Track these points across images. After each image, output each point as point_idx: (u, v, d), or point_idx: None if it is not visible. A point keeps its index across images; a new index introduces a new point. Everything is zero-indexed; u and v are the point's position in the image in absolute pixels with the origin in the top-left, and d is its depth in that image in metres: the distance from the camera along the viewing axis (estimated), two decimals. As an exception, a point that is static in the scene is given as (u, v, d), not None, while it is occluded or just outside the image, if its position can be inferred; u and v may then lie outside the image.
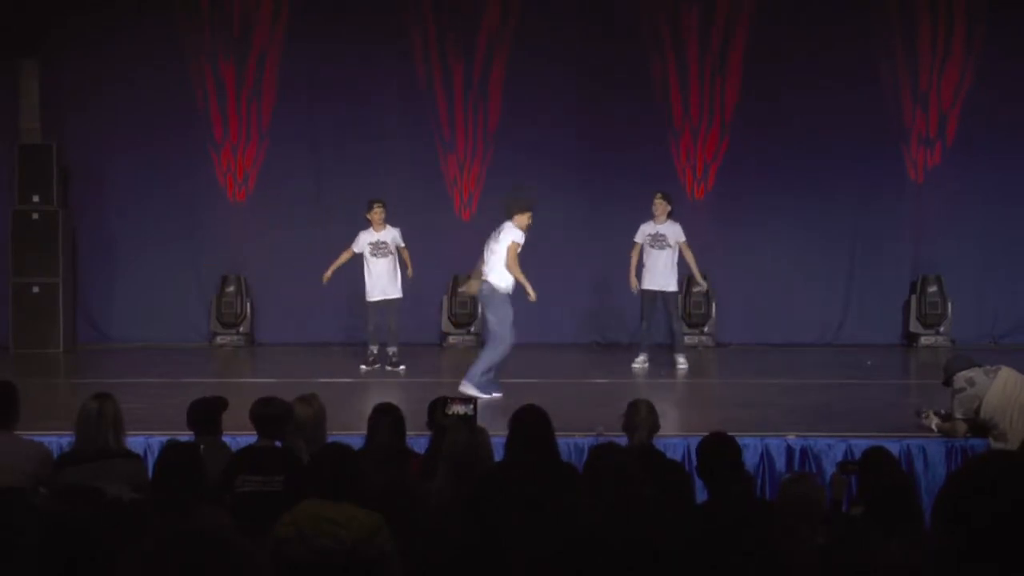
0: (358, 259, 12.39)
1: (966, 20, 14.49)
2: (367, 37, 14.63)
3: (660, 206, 12.34)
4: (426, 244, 13.32)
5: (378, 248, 12.30)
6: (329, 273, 12.33)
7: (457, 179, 14.81)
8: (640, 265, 12.38)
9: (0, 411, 6.08)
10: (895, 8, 14.51)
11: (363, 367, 12.32)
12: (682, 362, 12.33)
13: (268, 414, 6.07)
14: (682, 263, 12.47)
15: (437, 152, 14.79)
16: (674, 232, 12.33)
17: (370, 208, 12.29)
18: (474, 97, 14.72)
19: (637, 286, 12.35)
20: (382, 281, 12.29)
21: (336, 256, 12.43)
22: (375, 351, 12.36)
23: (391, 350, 12.33)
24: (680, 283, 14.35)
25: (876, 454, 5.93)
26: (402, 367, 12.16)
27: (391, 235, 12.31)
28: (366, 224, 12.38)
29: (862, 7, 14.51)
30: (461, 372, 12.21)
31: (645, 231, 12.38)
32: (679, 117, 14.72)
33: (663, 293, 12.32)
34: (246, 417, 6.13)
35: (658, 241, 12.31)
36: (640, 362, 12.26)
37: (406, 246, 12.38)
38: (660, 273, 12.29)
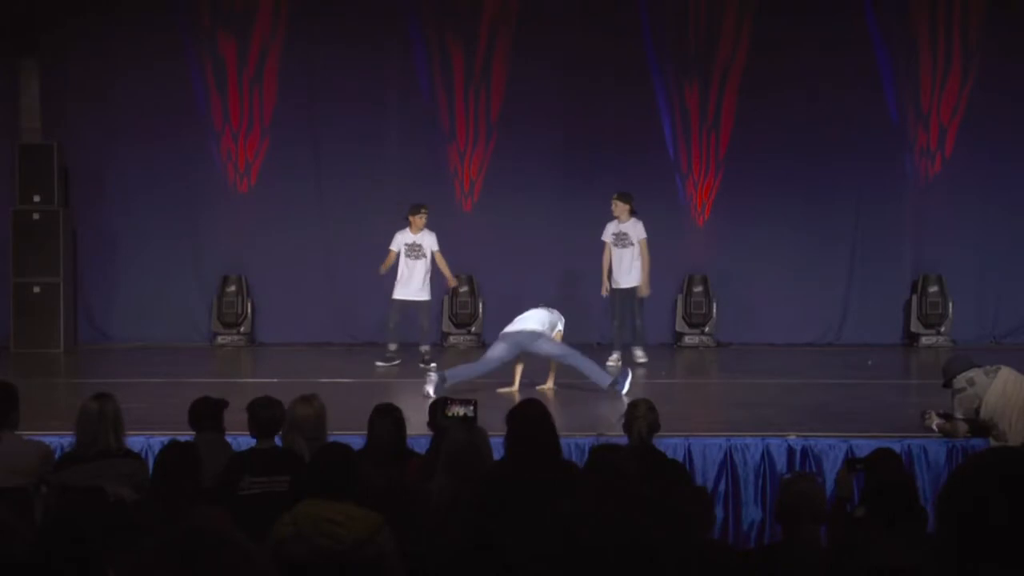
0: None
1: (967, 26, 14.53)
2: (367, 28, 14.61)
3: (618, 207, 12.53)
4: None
5: (412, 250, 12.52)
6: (383, 269, 12.54)
7: (458, 169, 14.80)
8: (609, 264, 12.57)
9: (1, 412, 6.07)
10: (895, 19, 14.56)
11: (379, 363, 12.41)
12: (640, 356, 12.46)
13: (269, 416, 6.09)
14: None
15: (438, 146, 14.75)
16: (636, 231, 12.47)
17: (416, 211, 12.51)
18: (475, 86, 14.70)
19: (608, 288, 12.56)
20: (412, 282, 12.49)
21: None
22: (394, 348, 12.47)
23: (423, 348, 12.50)
24: (680, 283, 14.40)
25: (882, 455, 5.94)
26: (433, 365, 12.22)
27: (427, 239, 12.53)
28: (402, 224, 12.60)
29: (864, 15, 14.53)
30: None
31: (610, 230, 12.57)
32: (680, 115, 14.71)
33: (626, 289, 12.49)
34: (246, 417, 6.14)
35: (621, 240, 12.51)
36: (613, 360, 12.32)
37: (440, 250, 12.56)
38: (625, 271, 12.46)
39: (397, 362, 12.37)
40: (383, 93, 14.78)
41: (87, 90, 14.59)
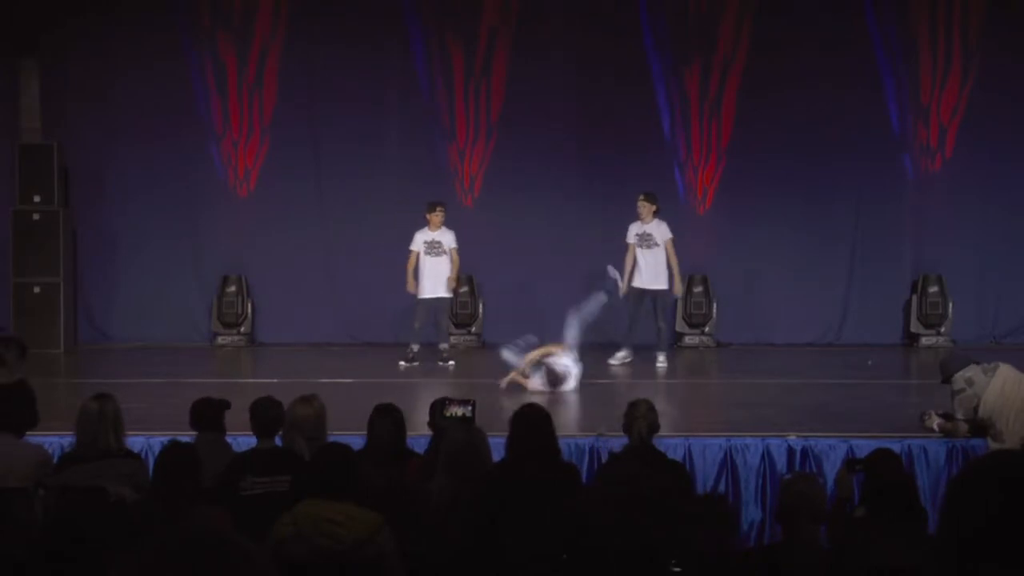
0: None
1: (967, 26, 14.53)
2: (367, 28, 14.61)
3: (644, 207, 12.50)
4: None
5: (432, 247, 12.55)
6: (412, 282, 12.48)
7: (458, 169, 14.79)
8: (632, 265, 12.50)
9: (16, 416, 6.07)
10: (895, 19, 14.56)
11: (402, 363, 12.41)
12: (662, 360, 12.40)
13: (270, 416, 6.10)
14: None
15: (438, 145, 14.75)
16: (661, 231, 12.46)
17: (432, 209, 12.57)
18: (475, 86, 14.69)
19: (625, 290, 12.48)
20: (433, 280, 12.50)
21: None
22: (416, 349, 12.48)
23: (443, 347, 12.58)
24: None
25: (882, 455, 5.94)
26: (452, 362, 12.33)
27: (447, 237, 12.56)
28: (422, 223, 12.60)
29: (864, 14, 14.53)
30: (462, 372, 12.26)
31: (633, 231, 12.55)
32: (680, 108, 14.70)
33: (652, 291, 12.45)
34: (247, 417, 6.14)
35: (645, 240, 12.47)
36: (619, 359, 12.35)
37: (457, 248, 12.57)
38: (648, 272, 12.43)
39: (418, 363, 12.37)
40: (383, 93, 14.78)
41: (87, 90, 14.59)
